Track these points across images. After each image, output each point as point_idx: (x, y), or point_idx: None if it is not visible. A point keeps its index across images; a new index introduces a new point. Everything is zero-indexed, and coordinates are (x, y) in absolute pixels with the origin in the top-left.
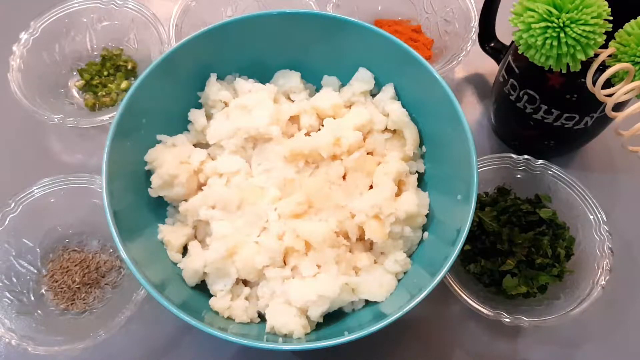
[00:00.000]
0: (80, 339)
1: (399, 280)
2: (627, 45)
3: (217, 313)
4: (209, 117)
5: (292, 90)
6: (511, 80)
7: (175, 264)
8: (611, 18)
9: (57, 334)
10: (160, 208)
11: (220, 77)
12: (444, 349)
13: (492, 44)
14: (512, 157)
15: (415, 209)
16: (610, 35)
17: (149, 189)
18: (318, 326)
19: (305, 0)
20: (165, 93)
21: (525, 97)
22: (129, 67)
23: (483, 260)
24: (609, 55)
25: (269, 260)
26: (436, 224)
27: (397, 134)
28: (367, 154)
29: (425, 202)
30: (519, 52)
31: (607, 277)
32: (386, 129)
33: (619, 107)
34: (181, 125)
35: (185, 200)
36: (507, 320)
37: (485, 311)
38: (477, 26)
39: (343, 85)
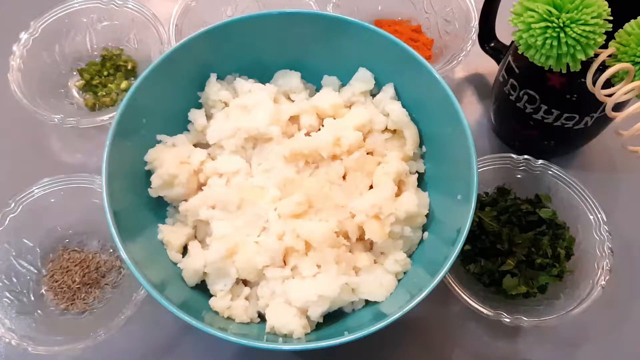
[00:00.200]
0: (80, 339)
1: (399, 280)
2: (627, 45)
3: (217, 313)
4: (209, 117)
5: (292, 90)
6: (511, 80)
7: (175, 264)
8: (611, 18)
9: (57, 334)
10: (160, 208)
11: (220, 77)
12: (444, 349)
13: (492, 44)
14: (512, 157)
15: (415, 209)
16: (610, 35)
17: (149, 189)
18: (318, 326)
19: (305, 0)
20: (165, 93)
21: (525, 97)
22: (129, 67)
23: (483, 260)
24: (609, 55)
25: (269, 260)
26: (436, 224)
27: (397, 134)
28: (367, 154)
29: (425, 202)
30: (519, 52)
31: (607, 277)
32: (386, 129)
33: (619, 107)
34: (181, 125)
35: (185, 200)
36: (507, 320)
37: (485, 311)
38: (477, 26)
39: (343, 85)
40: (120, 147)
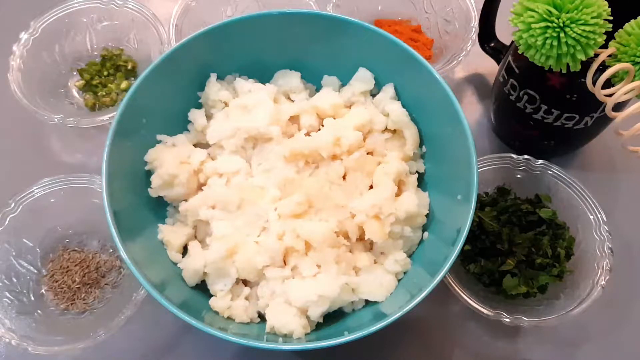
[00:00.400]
0: (80, 339)
1: (399, 280)
2: (627, 45)
3: (217, 313)
4: (209, 117)
5: (292, 90)
6: (511, 80)
7: (175, 264)
8: (611, 18)
9: (57, 334)
10: (160, 208)
11: (220, 77)
12: (444, 349)
13: (492, 44)
14: (512, 157)
15: (415, 209)
16: (610, 35)
17: (149, 189)
18: (318, 326)
19: (305, 0)
20: (165, 93)
21: (525, 97)
22: (129, 67)
23: (483, 260)
24: (609, 55)
25: (269, 260)
26: (436, 224)
27: (397, 134)
28: (367, 154)
29: (425, 202)
30: (519, 52)
31: (607, 277)
32: (386, 129)
33: (619, 107)
34: (181, 125)
35: (185, 200)
36: (507, 320)
37: (485, 311)
38: (477, 26)
39: (343, 85)
40: (120, 147)
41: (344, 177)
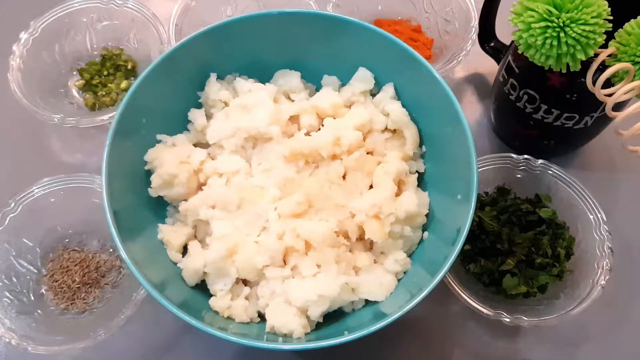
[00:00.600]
0: (80, 339)
1: (399, 280)
2: (627, 45)
3: (217, 313)
4: (209, 116)
5: (292, 90)
6: (511, 80)
7: (175, 263)
8: (611, 18)
9: (57, 333)
10: (160, 208)
11: (220, 77)
12: (444, 349)
13: (492, 44)
14: (512, 157)
15: (415, 208)
16: (610, 35)
17: (149, 189)
18: (318, 326)
19: (305, 0)
20: (165, 93)
21: (525, 96)
22: (129, 66)
23: (483, 260)
24: (609, 55)
25: (269, 260)
26: (436, 224)
27: (397, 133)
28: (367, 153)
29: (425, 201)
30: (519, 51)
31: (607, 277)
32: (386, 128)
33: (619, 106)
34: (181, 125)
35: (185, 200)
36: (507, 320)
37: (485, 311)
38: (477, 26)
39: (343, 85)
40: (120, 147)
41: (344, 177)
